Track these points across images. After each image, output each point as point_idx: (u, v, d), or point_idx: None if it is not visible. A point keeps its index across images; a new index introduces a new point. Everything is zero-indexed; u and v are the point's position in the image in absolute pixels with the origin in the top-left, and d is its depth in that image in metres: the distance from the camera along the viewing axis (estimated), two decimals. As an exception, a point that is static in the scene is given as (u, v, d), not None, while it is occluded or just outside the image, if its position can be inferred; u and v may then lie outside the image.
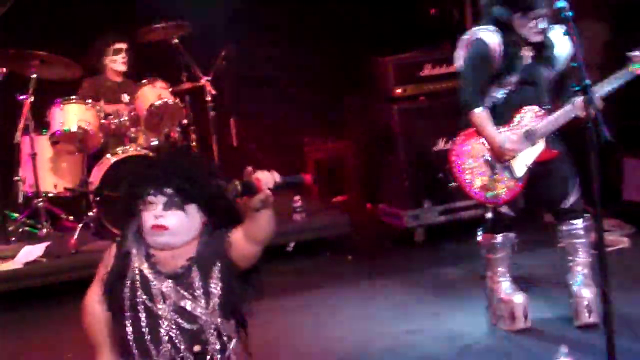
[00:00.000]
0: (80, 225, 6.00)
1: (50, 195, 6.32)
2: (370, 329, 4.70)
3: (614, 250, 5.47)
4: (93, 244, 5.93)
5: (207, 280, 2.53)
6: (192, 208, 2.53)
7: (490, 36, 4.17)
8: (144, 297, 2.51)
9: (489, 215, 4.40)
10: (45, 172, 6.33)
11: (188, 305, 2.50)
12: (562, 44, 4.19)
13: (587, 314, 4.30)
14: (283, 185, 2.43)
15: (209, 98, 6.64)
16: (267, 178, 2.37)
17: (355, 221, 6.52)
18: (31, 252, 5.80)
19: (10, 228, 6.25)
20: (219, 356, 2.54)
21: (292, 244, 6.20)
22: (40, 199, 6.21)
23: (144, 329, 2.50)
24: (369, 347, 4.46)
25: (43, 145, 6.32)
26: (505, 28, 4.17)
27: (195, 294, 2.52)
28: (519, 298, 4.39)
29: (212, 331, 2.52)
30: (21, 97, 6.21)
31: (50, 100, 6.32)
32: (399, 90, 6.52)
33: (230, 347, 2.59)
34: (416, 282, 5.45)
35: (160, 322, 2.50)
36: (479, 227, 4.53)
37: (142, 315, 2.51)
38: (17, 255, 5.76)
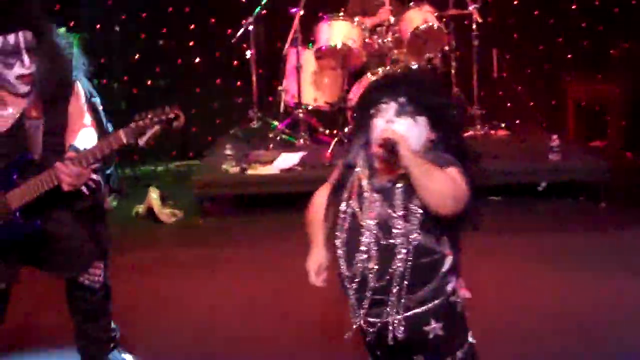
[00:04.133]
0: (335, 139, 6.14)
1: (310, 107, 6.53)
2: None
3: None
4: (347, 159, 6.04)
5: (410, 200, 2.48)
6: (421, 120, 2.50)
7: None
8: (355, 207, 2.55)
9: None
10: (307, 85, 6.54)
11: (389, 219, 2.49)
12: None
13: None
14: None
15: (474, 26, 6.48)
16: None
17: (613, 169, 6.18)
18: (288, 160, 6.03)
19: (270, 135, 6.54)
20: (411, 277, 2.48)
21: (544, 184, 6.02)
22: (301, 110, 6.43)
23: (348, 237, 2.55)
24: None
25: (308, 58, 6.52)
26: None
27: (396, 210, 2.49)
28: None
29: (407, 249, 2.47)
30: (293, 10, 6.42)
31: (318, 15, 6.47)
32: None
33: (444, 266, 2.51)
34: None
35: (361, 231, 2.52)
36: None
37: (349, 224, 2.56)
38: (274, 161, 6.02)
